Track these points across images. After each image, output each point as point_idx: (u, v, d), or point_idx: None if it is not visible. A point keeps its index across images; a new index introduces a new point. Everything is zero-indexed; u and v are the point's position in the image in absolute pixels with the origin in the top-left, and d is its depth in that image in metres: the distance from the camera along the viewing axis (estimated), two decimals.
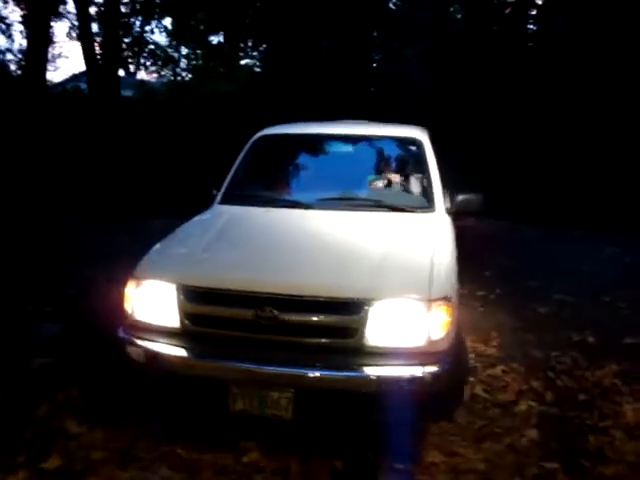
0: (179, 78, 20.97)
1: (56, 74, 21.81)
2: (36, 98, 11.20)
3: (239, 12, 14.82)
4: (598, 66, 10.19)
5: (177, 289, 2.71)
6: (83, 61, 12.77)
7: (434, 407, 2.78)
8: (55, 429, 2.89)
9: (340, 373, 2.53)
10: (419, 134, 4.16)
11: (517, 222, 8.44)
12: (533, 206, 8.94)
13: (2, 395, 3.22)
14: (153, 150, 10.95)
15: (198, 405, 2.85)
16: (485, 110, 11.05)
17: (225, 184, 4.00)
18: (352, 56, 12.81)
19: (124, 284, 2.88)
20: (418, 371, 2.49)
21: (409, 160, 4.15)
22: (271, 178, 4.14)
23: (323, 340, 2.58)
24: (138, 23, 20.29)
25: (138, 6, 17.33)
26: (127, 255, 3.28)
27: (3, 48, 18.06)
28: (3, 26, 17.40)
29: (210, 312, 2.69)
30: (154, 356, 2.71)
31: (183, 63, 21.63)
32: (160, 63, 22.01)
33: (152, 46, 21.32)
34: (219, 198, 3.89)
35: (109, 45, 13.05)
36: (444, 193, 3.73)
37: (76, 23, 15.81)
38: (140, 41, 20.76)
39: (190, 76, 20.55)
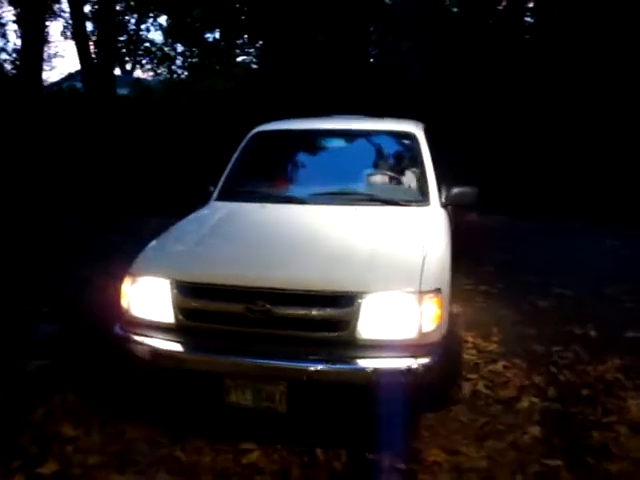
0: (175, 76, 20.93)
1: (52, 73, 21.80)
2: (32, 98, 11.15)
3: (235, 8, 14.75)
4: (596, 58, 10.14)
5: (171, 285, 2.75)
6: (78, 60, 12.72)
7: (427, 398, 2.81)
8: (51, 433, 2.85)
9: (332, 366, 2.55)
10: (414, 128, 4.18)
11: (516, 216, 8.41)
12: (532, 200, 8.89)
13: None
14: (150, 148, 10.91)
15: (194, 399, 2.89)
16: (483, 104, 10.99)
17: (221, 181, 4.05)
18: (348, 50, 12.76)
19: (120, 282, 2.92)
20: (410, 363, 2.52)
21: (404, 154, 4.17)
22: (266, 174, 4.18)
23: (315, 333, 2.61)
24: (133, 21, 20.22)
25: (133, 4, 17.25)
26: (124, 254, 3.27)
27: None
28: None
29: (203, 307, 2.73)
30: (149, 351, 2.76)
31: (179, 61, 21.61)
32: (156, 61, 21.95)
33: (147, 44, 21.25)
34: (215, 195, 3.95)
35: (104, 43, 12.97)
36: (442, 187, 3.73)
37: (70, 22, 15.74)
38: (135, 39, 20.67)
39: (186, 74, 20.51)
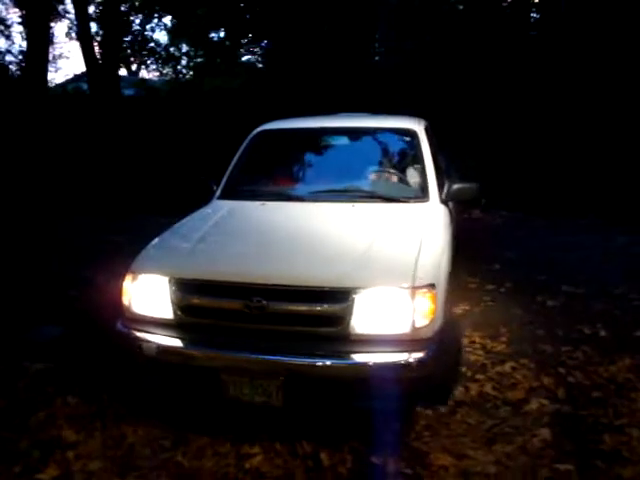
0: (180, 76, 20.93)
1: (58, 75, 21.86)
2: (37, 99, 11.15)
3: (239, 7, 14.74)
4: (603, 53, 10.03)
5: (169, 282, 2.80)
6: (83, 61, 12.72)
7: (423, 393, 2.84)
8: (52, 437, 2.82)
9: (327, 360, 2.57)
10: (414, 125, 4.19)
11: (524, 213, 8.35)
12: (540, 196, 8.82)
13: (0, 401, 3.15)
14: (155, 148, 10.92)
15: (193, 394, 2.92)
16: (490, 100, 10.91)
17: (224, 179, 4.08)
18: (353, 49, 12.73)
19: (122, 280, 2.97)
20: (403, 358, 2.54)
21: (404, 151, 4.19)
22: (269, 172, 4.23)
23: (310, 329, 2.64)
24: (138, 21, 20.20)
25: (137, 4, 17.25)
26: (128, 253, 3.24)
27: (3, 49, 18.03)
28: (2, 27, 17.39)
29: (200, 303, 2.78)
30: (150, 347, 2.78)
31: (184, 61, 21.61)
32: (161, 61, 21.97)
33: (152, 44, 21.24)
34: (218, 193, 3.98)
35: (108, 44, 12.99)
36: (444, 183, 3.74)
37: (75, 23, 15.75)
38: (140, 40, 20.66)
39: (191, 74, 20.50)
